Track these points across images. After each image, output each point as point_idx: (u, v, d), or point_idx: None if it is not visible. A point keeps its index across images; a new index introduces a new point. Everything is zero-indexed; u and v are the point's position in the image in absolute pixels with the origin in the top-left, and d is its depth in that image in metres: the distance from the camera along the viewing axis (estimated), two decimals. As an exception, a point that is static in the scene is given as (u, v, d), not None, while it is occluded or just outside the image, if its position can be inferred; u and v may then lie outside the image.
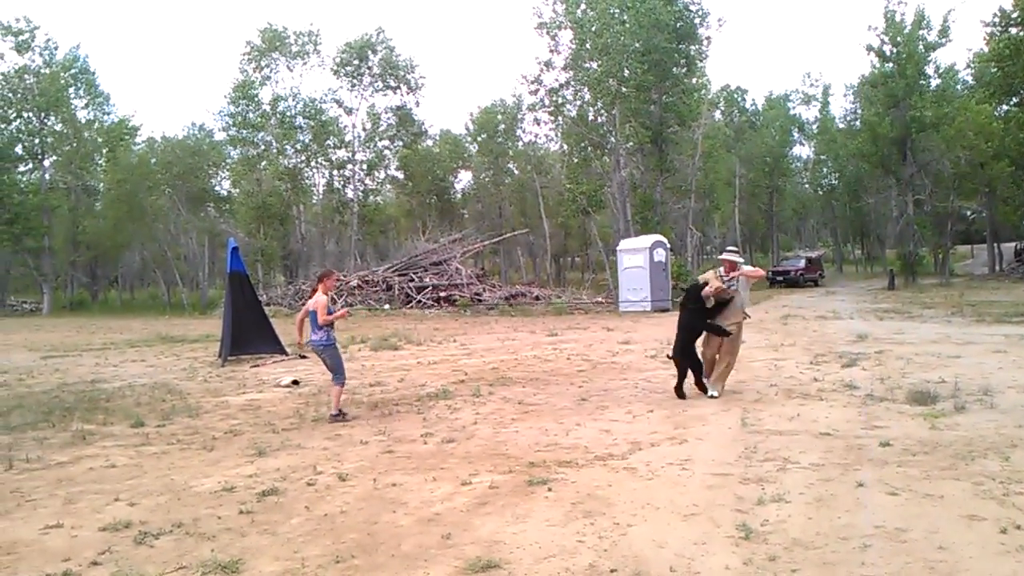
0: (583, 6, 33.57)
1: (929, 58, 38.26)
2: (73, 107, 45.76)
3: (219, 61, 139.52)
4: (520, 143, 53.45)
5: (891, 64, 38.02)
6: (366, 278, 34.43)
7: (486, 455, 6.85)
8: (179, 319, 32.88)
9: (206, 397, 10.75)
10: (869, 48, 38.86)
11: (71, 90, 45.70)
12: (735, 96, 61.26)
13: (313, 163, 47.49)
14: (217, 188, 49.45)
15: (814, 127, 60.72)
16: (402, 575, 4.23)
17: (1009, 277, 40.22)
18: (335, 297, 31.40)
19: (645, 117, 33.32)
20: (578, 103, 36.13)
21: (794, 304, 26.89)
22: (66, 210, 45.45)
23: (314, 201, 50.51)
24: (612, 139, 34.05)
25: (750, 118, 61.24)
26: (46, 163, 45.27)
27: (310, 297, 8.87)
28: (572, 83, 35.32)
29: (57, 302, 44.97)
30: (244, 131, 44.30)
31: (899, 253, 40.01)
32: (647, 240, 27.43)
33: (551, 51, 34.97)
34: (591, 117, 35.64)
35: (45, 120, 44.07)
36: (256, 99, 44.33)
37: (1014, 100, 38.14)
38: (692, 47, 33.89)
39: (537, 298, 32.43)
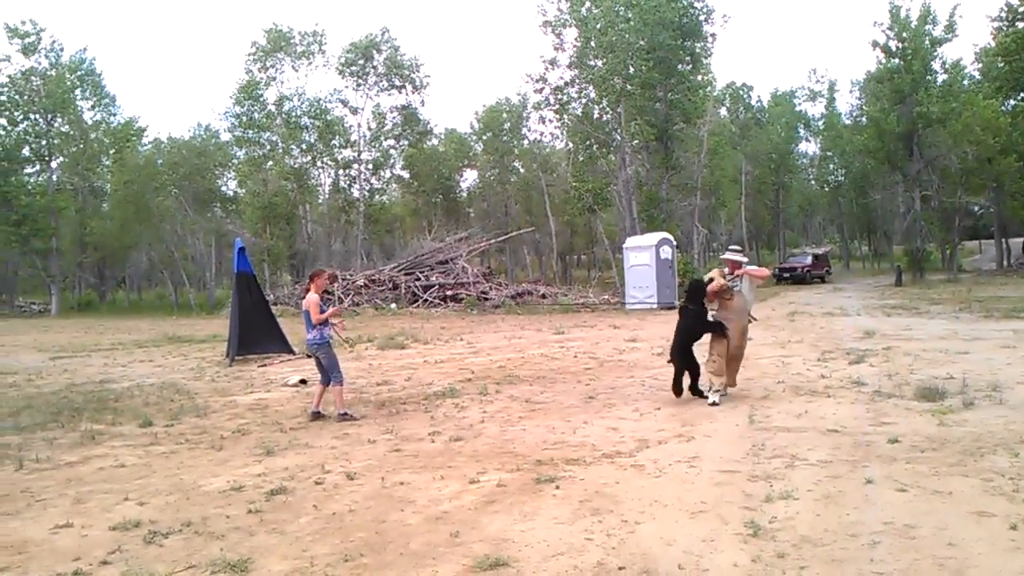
0: (588, 4, 33.61)
1: (935, 53, 38.07)
2: (79, 109, 45.98)
3: (225, 62, 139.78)
4: (525, 141, 53.48)
5: (897, 60, 37.86)
6: (372, 277, 34.47)
7: (494, 453, 6.86)
8: (186, 319, 32.98)
9: (214, 397, 10.78)
10: (875, 44, 38.75)
11: (77, 92, 45.89)
12: (740, 93, 61.18)
13: (319, 163, 47.61)
14: (223, 188, 49.66)
15: (820, 123, 60.64)
16: (411, 573, 4.23)
17: (1017, 272, 40.06)
18: (341, 296, 31.47)
19: (650, 115, 33.31)
20: (583, 101, 36.17)
21: (801, 301, 26.82)
22: (73, 211, 45.66)
23: (320, 201, 50.60)
24: (617, 137, 34.07)
25: (756, 115, 61.15)
26: (53, 165, 45.45)
27: (302, 297, 8.90)
28: (577, 81, 35.37)
29: (65, 303, 45.12)
30: (250, 131, 44.44)
31: (906, 249, 39.91)
32: (653, 238, 27.39)
33: (556, 49, 35.07)
34: (596, 115, 35.67)
35: (52, 122, 44.23)
36: (261, 99, 44.44)
37: (1021, 95, 38.00)
38: (697, 44, 33.92)
39: (543, 296, 32.43)
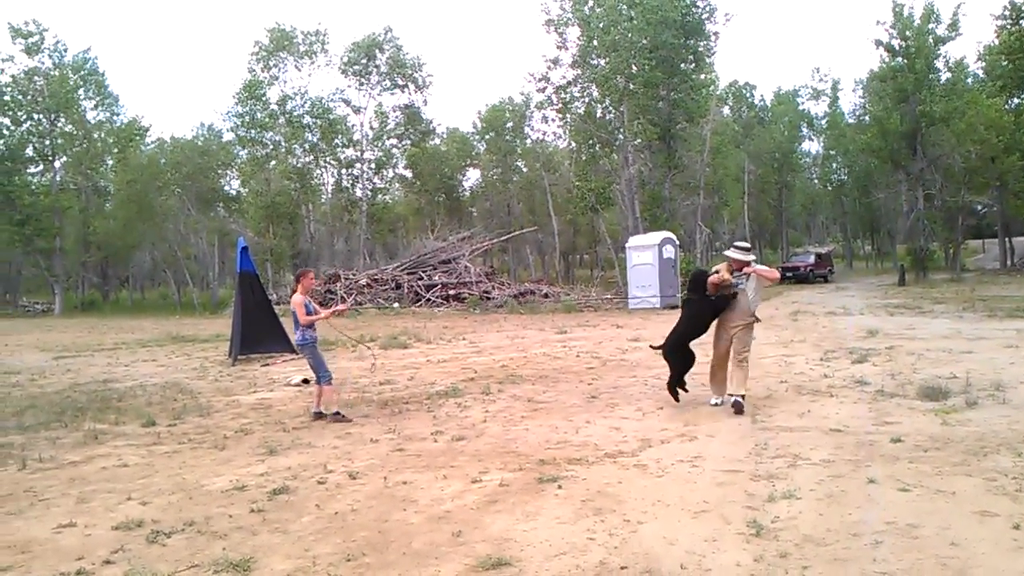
0: (591, 3, 33.58)
1: (938, 52, 38.01)
2: (83, 108, 45.99)
3: (228, 62, 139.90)
4: (528, 141, 53.50)
5: (900, 58, 37.79)
6: (375, 277, 34.46)
7: (496, 453, 6.86)
8: (190, 319, 33.02)
9: (217, 396, 10.79)
10: (878, 43, 38.67)
11: (80, 91, 45.91)
12: (743, 92, 61.15)
13: (321, 162, 47.67)
14: (226, 188, 49.67)
15: (823, 122, 60.54)
16: (413, 573, 4.24)
17: (1021, 272, 39.97)
18: (344, 296, 31.47)
19: (653, 114, 33.28)
20: (586, 100, 36.15)
21: (804, 300, 26.79)
22: (77, 211, 45.72)
23: (323, 200, 50.65)
24: (620, 136, 34.06)
25: (759, 114, 61.11)
26: (56, 164, 45.49)
27: (289, 297, 8.88)
28: (580, 80, 35.35)
29: (68, 303, 45.21)
30: (253, 131, 44.47)
31: (909, 248, 39.81)
32: (656, 237, 27.37)
33: (559, 48, 35.02)
34: (599, 114, 35.66)
35: (55, 122, 44.28)
36: (264, 99, 44.47)
37: (1025, 93, 37.92)
38: (700, 43, 33.87)
39: (546, 296, 32.40)
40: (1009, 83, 38.30)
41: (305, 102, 45.67)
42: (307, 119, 45.78)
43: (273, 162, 45.36)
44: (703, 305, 8.48)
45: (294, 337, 8.87)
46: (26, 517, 5.48)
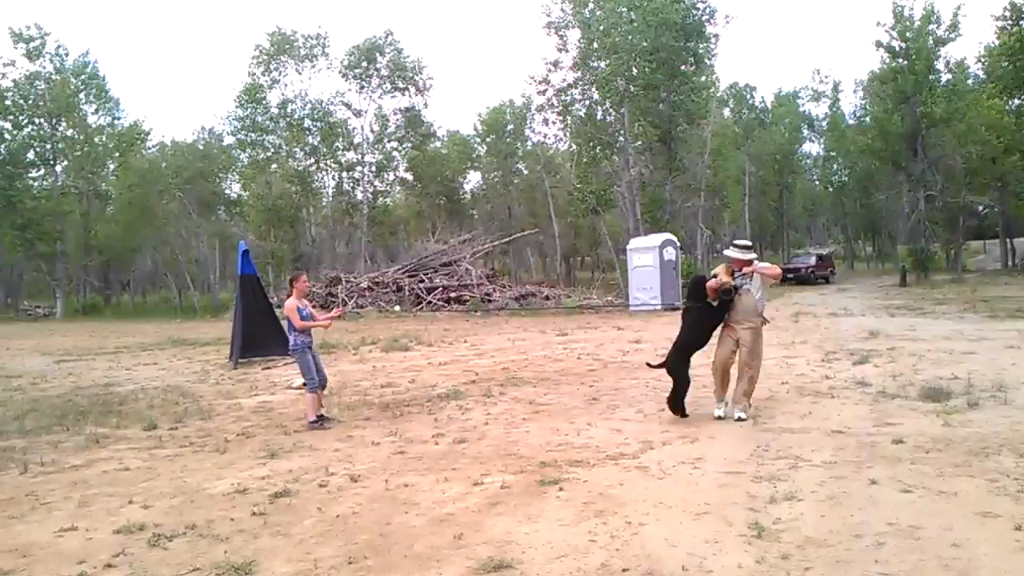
0: (591, 5, 33.60)
1: (939, 53, 37.96)
2: (84, 112, 46.13)
3: (228, 65, 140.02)
4: (529, 143, 53.45)
5: (901, 60, 37.77)
6: (376, 279, 34.49)
7: (497, 455, 6.85)
8: (191, 322, 33.04)
9: (218, 400, 10.80)
10: (878, 44, 38.63)
11: (81, 95, 46.03)
12: (744, 93, 61.13)
13: (322, 165, 47.66)
14: (227, 191, 49.80)
15: (824, 124, 60.49)
16: None
17: (1022, 272, 39.91)
18: (346, 299, 31.48)
19: (654, 116, 33.31)
20: (586, 102, 36.16)
21: (805, 301, 26.75)
22: (78, 215, 45.77)
23: (324, 203, 50.65)
24: (621, 138, 34.06)
25: (759, 115, 61.09)
26: (58, 168, 45.61)
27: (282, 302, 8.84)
28: (580, 82, 35.36)
29: (70, 306, 45.27)
30: (253, 134, 44.52)
31: (911, 249, 39.73)
32: (657, 239, 27.35)
33: (559, 50, 35.04)
34: (600, 116, 35.68)
35: (56, 126, 44.40)
36: (265, 102, 44.53)
37: (1025, 94, 37.91)
38: (700, 45, 33.85)
39: (547, 298, 32.40)
40: (1010, 84, 38.24)
41: (306, 105, 45.79)
42: (308, 122, 45.85)
43: (274, 165, 45.44)
44: (704, 313, 8.10)
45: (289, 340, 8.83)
46: (28, 521, 5.49)
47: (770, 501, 5.21)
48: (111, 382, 13.14)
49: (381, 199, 49.89)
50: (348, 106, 46.56)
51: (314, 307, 9.77)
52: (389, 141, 48.10)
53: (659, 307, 25.60)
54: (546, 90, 36.24)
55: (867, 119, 46.73)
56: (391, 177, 50.60)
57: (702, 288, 8.07)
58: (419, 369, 13.29)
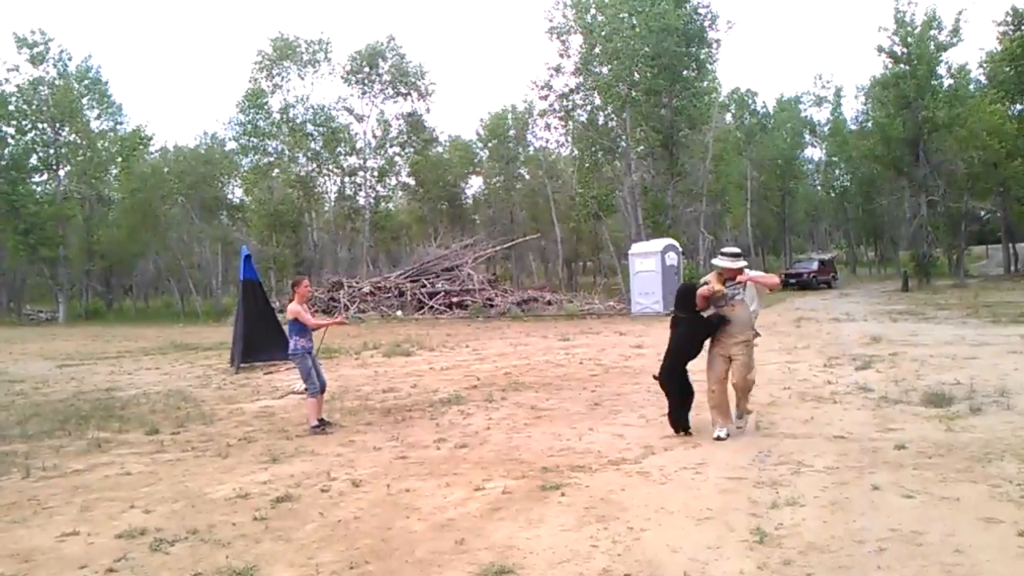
0: (593, 11, 33.66)
1: (941, 58, 38.00)
2: (87, 118, 46.19)
3: (231, 71, 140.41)
4: (531, 148, 53.55)
5: (903, 65, 37.80)
6: (378, 284, 34.51)
7: (499, 460, 6.85)
8: (193, 327, 33.05)
9: (220, 404, 10.80)
10: (880, 49, 38.69)
11: (84, 101, 46.13)
12: (746, 99, 61.13)
13: (324, 170, 47.78)
14: (230, 196, 49.82)
15: (826, 129, 60.51)
16: (416, 581, 4.24)
17: (1025, 277, 39.89)
18: (347, 304, 31.50)
19: (656, 121, 33.33)
20: (588, 108, 36.21)
21: (807, 307, 26.75)
22: (81, 220, 45.90)
23: (326, 208, 50.76)
24: (623, 143, 34.09)
25: (761, 120, 61.09)
26: (61, 173, 45.67)
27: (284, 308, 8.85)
28: (582, 88, 35.40)
29: (72, 311, 45.31)
30: (255, 139, 44.61)
31: (913, 254, 39.75)
32: (659, 244, 27.38)
33: (561, 55, 35.09)
34: (601, 121, 35.71)
35: (59, 131, 44.49)
36: (267, 107, 44.62)
37: (1027, 99, 37.93)
38: (702, 50, 33.90)
39: (549, 303, 32.39)
40: (1012, 89, 38.30)
41: (308, 110, 45.91)
42: (310, 127, 45.97)
43: (276, 170, 45.51)
44: (693, 323, 7.45)
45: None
46: (29, 525, 5.49)
47: (772, 507, 5.20)
48: (113, 387, 13.14)
49: (383, 204, 49.95)
50: (350, 111, 46.77)
51: (314, 313, 9.78)
52: (391, 146, 48.21)
53: (661, 312, 25.58)
54: (548, 95, 36.33)
55: (869, 124, 46.77)
56: (393, 182, 50.73)
57: (691, 297, 7.45)
58: (421, 374, 13.28)
